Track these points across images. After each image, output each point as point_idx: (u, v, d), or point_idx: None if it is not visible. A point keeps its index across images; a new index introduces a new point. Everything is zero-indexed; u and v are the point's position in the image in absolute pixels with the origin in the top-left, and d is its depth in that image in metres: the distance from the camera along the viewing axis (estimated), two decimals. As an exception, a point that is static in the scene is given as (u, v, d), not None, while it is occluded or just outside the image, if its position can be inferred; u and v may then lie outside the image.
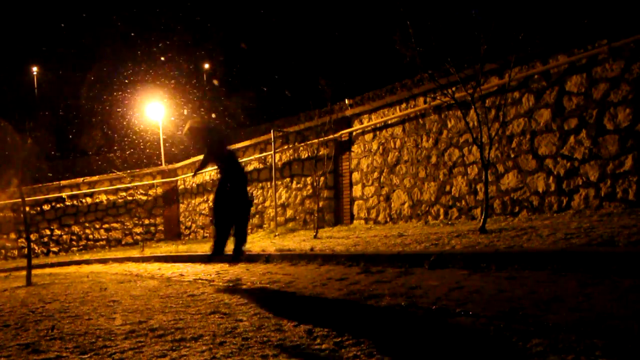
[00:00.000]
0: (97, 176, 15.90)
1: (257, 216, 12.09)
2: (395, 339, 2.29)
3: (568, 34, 6.08)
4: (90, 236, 15.49)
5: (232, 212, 5.17)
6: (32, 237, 14.66)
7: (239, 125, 22.83)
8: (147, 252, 10.57)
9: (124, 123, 23.53)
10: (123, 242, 15.43)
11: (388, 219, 8.71)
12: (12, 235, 15.56)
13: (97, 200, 15.50)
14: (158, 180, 15.51)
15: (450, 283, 3.42)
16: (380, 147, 8.89)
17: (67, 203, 15.52)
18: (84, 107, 26.36)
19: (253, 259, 6.54)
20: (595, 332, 2.02)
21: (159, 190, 15.56)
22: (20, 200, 7.88)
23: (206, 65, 29.11)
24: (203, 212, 14.18)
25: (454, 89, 5.96)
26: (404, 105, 8.41)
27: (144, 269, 7.61)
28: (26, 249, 6.98)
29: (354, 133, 9.46)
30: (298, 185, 10.78)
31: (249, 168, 12.35)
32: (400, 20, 5.79)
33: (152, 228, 15.53)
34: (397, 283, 3.67)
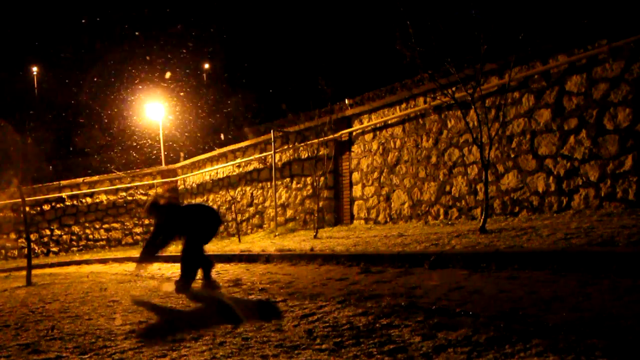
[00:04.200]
0: (97, 176, 15.89)
1: (257, 216, 12.09)
2: (395, 340, 2.28)
3: (568, 34, 6.08)
4: (90, 236, 15.49)
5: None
6: (32, 237, 14.64)
7: (239, 125, 22.82)
8: (147, 252, 10.55)
9: (124, 123, 23.53)
10: (123, 242, 15.42)
11: (388, 219, 8.71)
12: (12, 235, 15.54)
13: (97, 200, 15.50)
14: (158, 180, 15.50)
15: (451, 283, 3.42)
16: (380, 147, 8.89)
17: (67, 203, 15.51)
18: (84, 107, 26.34)
19: (253, 259, 6.54)
20: (595, 332, 2.02)
21: (159, 190, 15.55)
22: (20, 200, 7.88)
23: (206, 65, 29.11)
24: (203, 212, 14.18)
25: (454, 89, 5.96)
26: (404, 105, 8.41)
27: (144, 269, 7.61)
28: (26, 249, 6.99)
29: (354, 133, 9.46)
30: (298, 185, 10.78)
31: (249, 168, 12.36)
32: (400, 20, 5.79)
33: (152, 228, 15.51)
34: (397, 283, 3.67)
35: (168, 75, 24.57)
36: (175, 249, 10.17)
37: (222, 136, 20.43)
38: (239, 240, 9.74)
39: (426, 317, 2.55)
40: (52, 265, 11.25)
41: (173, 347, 2.42)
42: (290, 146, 10.91)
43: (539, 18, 6.73)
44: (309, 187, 10.44)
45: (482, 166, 5.65)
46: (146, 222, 15.45)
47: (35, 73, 31.79)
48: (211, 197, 13.81)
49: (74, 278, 6.92)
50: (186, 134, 22.41)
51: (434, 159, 7.89)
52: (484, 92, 6.43)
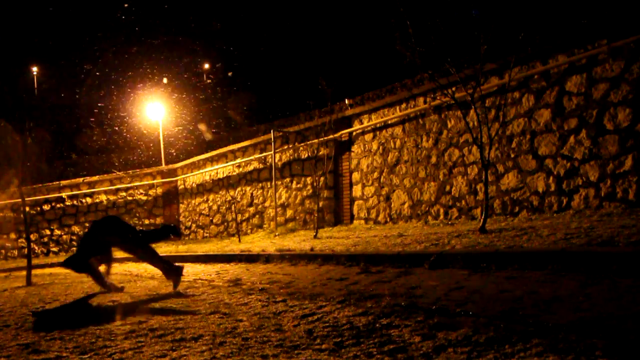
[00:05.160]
0: (97, 176, 15.90)
1: (257, 216, 12.09)
2: (395, 340, 2.28)
3: (568, 34, 6.08)
4: (90, 236, 15.48)
5: None
6: (32, 237, 14.64)
7: (239, 125, 22.82)
8: (147, 252, 10.54)
9: (124, 123, 23.52)
10: (123, 242, 15.41)
11: (388, 219, 8.71)
12: (12, 235, 15.55)
13: (97, 200, 15.50)
14: (158, 180, 15.50)
15: (450, 283, 3.41)
16: (380, 147, 8.88)
17: (67, 203, 15.51)
18: (84, 107, 26.33)
19: (253, 259, 6.54)
20: (595, 332, 2.02)
21: (159, 190, 15.55)
22: (20, 200, 7.88)
23: (206, 65, 29.10)
24: (203, 212, 14.18)
25: (454, 89, 5.96)
26: (404, 105, 8.41)
27: (144, 269, 7.61)
28: (26, 249, 6.98)
29: (354, 133, 9.46)
30: (298, 185, 10.78)
31: (249, 168, 12.36)
32: (400, 20, 5.79)
33: (152, 228, 15.52)
34: (397, 283, 3.67)
35: (168, 74, 24.55)
36: (175, 248, 10.18)
37: (222, 136, 20.42)
38: (239, 240, 9.74)
39: (426, 317, 2.55)
40: (52, 265, 11.23)
41: (173, 347, 2.42)
42: (290, 146, 10.91)
43: (539, 18, 6.73)
44: (309, 187, 10.44)
45: (482, 166, 5.65)
46: (146, 222, 15.46)
47: (35, 73, 31.79)
48: (211, 197, 13.81)
49: (74, 278, 6.91)
50: (186, 134, 22.41)
51: (434, 159, 7.89)
52: (484, 92, 6.44)
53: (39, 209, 15.51)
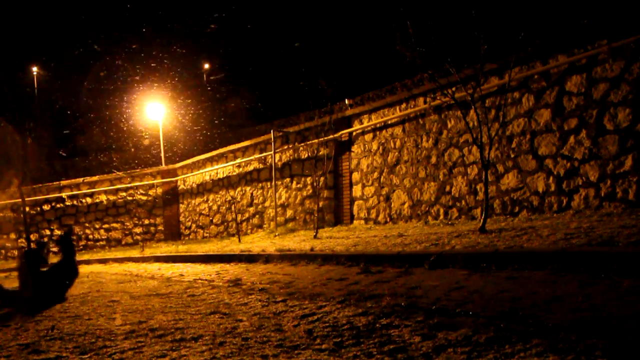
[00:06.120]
0: (97, 176, 15.90)
1: (257, 216, 12.09)
2: (395, 340, 2.28)
3: (568, 34, 6.08)
4: (90, 236, 15.49)
5: None
6: (32, 237, 14.64)
7: (238, 125, 22.82)
8: (147, 252, 10.57)
9: (124, 123, 23.52)
10: (123, 242, 15.42)
11: (388, 219, 8.71)
12: (12, 235, 15.54)
13: (97, 201, 15.50)
14: (158, 180, 15.50)
15: (450, 283, 3.41)
16: (380, 147, 8.88)
17: (67, 203, 15.51)
18: (84, 107, 26.33)
19: (253, 259, 6.54)
20: (595, 332, 2.02)
21: (159, 190, 15.55)
22: (20, 200, 7.89)
23: (206, 65, 29.09)
24: (203, 212, 14.19)
25: (454, 89, 5.95)
26: (404, 106, 8.41)
27: (144, 269, 7.61)
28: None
29: (354, 133, 9.46)
30: (298, 185, 10.78)
31: (249, 168, 12.36)
32: (400, 20, 5.79)
33: (152, 228, 15.52)
34: (397, 283, 3.67)
35: (168, 74, 24.53)
36: (175, 249, 10.17)
37: (222, 136, 20.44)
38: (239, 240, 9.74)
39: (426, 317, 2.55)
40: (52, 265, 11.22)
41: (173, 347, 2.42)
42: (290, 146, 10.91)
43: (539, 18, 6.73)
44: (309, 187, 10.44)
45: (482, 166, 5.65)
46: (146, 222, 15.46)
47: (35, 73, 31.78)
48: (211, 197, 13.81)
49: (74, 278, 6.90)
50: (186, 134, 22.41)
51: (433, 159, 7.89)
52: (484, 92, 6.43)
53: (39, 209, 15.51)
